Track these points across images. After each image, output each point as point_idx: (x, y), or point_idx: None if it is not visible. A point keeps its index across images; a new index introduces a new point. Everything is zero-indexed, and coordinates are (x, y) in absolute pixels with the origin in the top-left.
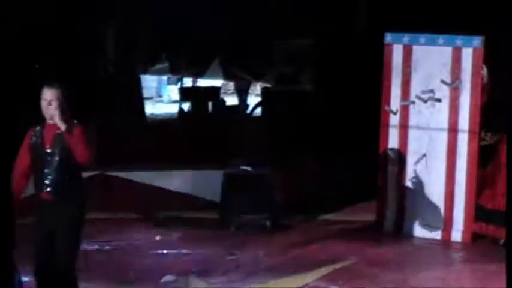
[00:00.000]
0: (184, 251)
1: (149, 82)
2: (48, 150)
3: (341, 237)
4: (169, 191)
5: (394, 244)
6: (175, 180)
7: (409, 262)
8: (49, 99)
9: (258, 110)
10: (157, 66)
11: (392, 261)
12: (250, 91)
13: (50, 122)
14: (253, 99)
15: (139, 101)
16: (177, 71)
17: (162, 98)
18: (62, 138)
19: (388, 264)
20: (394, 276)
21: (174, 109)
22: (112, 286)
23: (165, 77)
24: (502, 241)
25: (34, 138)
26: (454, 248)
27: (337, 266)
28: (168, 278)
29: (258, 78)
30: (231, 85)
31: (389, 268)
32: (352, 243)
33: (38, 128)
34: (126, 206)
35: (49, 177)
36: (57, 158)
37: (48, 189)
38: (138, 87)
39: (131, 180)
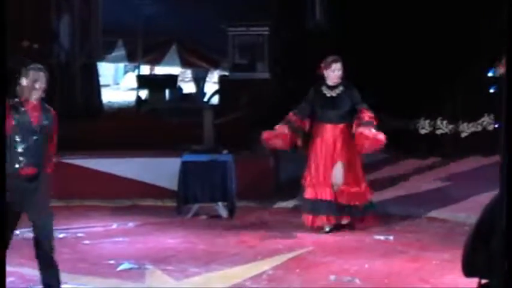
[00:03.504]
0: (140, 238)
1: (106, 69)
2: None
3: (297, 225)
4: (126, 178)
5: (350, 232)
6: (132, 168)
7: (362, 250)
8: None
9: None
10: (114, 54)
11: (347, 248)
12: (207, 79)
13: None
14: (210, 87)
15: (95, 88)
16: (134, 58)
17: (119, 85)
18: None
19: (344, 252)
20: (351, 263)
21: (131, 97)
22: (67, 274)
23: (122, 65)
24: None
25: None
26: None
27: (294, 254)
28: (124, 266)
29: (215, 66)
30: (188, 73)
31: (345, 256)
32: (308, 231)
33: None
34: (83, 194)
35: None
36: None
37: None
38: (94, 74)
39: (87, 168)
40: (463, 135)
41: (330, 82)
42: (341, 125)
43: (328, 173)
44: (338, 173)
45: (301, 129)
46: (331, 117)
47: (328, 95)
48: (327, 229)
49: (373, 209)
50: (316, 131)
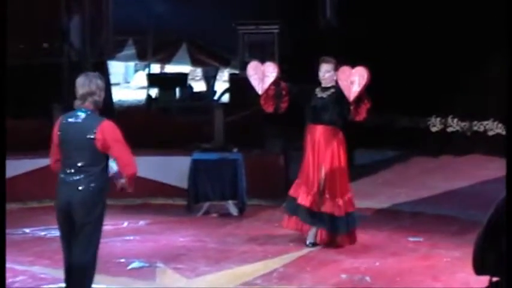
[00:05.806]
0: (151, 237)
1: (116, 68)
2: None
3: None
4: (136, 176)
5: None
6: (143, 166)
7: (372, 248)
8: None
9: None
10: (125, 52)
11: (357, 247)
12: (218, 77)
13: None
14: (220, 85)
15: (106, 86)
16: (144, 57)
17: (130, 84)
18: None
19: (354, 250)
20: (362, 261)
21: (141, 95)
22: None
23: (132, 63)
24: None
25: None
26: None
27: (304, 252)
28: (135, 264)
29: (225, 64)
30: (198, 71)
31: (356, 254)
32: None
33: None
34: None
35: None
36: None
37: None
38: (105, 73)
39: None
40: (490, 133)
41: (322, 83)
42: (330, 128)
43: (314, 177)
44: (321, 177)
45: (281, 96)
46: (319, 119)
47: (319, 95)
48: (310, 241)
49: (350, 225)
50: (308, 132)
